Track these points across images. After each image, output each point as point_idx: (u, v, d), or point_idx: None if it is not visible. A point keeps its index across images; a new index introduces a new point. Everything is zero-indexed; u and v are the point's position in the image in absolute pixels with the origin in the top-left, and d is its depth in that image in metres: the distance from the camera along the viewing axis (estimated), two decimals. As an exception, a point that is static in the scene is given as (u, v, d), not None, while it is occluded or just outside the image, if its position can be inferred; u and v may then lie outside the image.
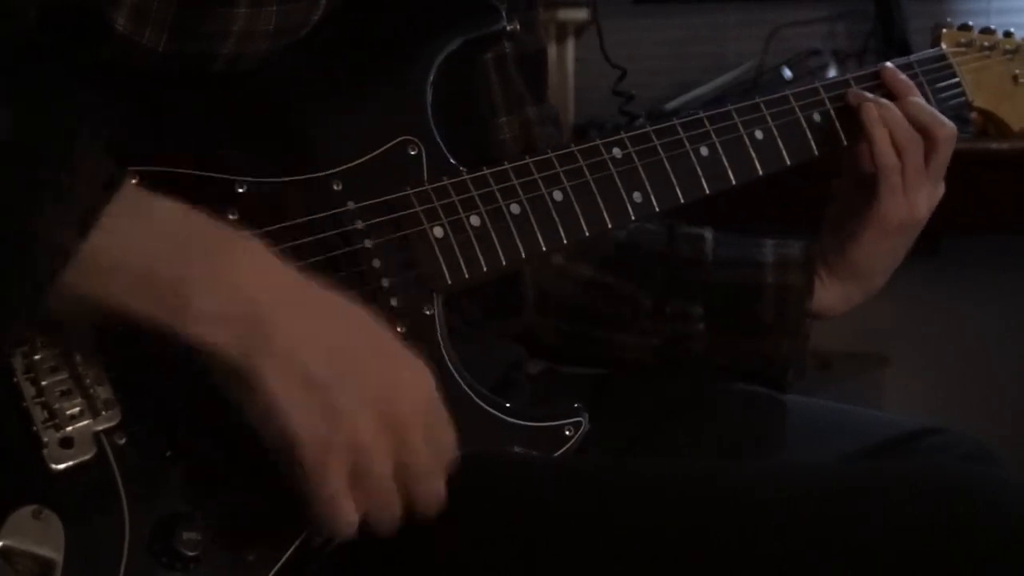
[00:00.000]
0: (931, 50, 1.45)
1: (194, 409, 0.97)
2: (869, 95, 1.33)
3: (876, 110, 1.31)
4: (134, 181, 0.91)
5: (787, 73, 2.71)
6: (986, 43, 1.47)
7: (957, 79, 1.43)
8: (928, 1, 2.74)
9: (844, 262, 1.37)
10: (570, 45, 2.86)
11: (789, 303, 1.36)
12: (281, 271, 0.94)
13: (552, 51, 2.80)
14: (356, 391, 0.94)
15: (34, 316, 0.89)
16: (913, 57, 1.42)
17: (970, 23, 1.48)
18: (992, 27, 1.49)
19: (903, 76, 1.36)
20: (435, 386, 0.98)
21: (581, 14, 2.75)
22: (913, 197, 1.32)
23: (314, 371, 0.92)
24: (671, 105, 2.71)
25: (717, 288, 1.37)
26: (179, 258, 0.91)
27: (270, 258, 0.94)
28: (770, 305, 1.36)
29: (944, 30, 1.46)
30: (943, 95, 1.42)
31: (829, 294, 1.38)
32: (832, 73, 2.72)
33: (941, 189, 1.36)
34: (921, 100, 1.34)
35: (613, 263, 1.40)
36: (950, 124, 1.33)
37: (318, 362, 0.92)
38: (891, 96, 1.34)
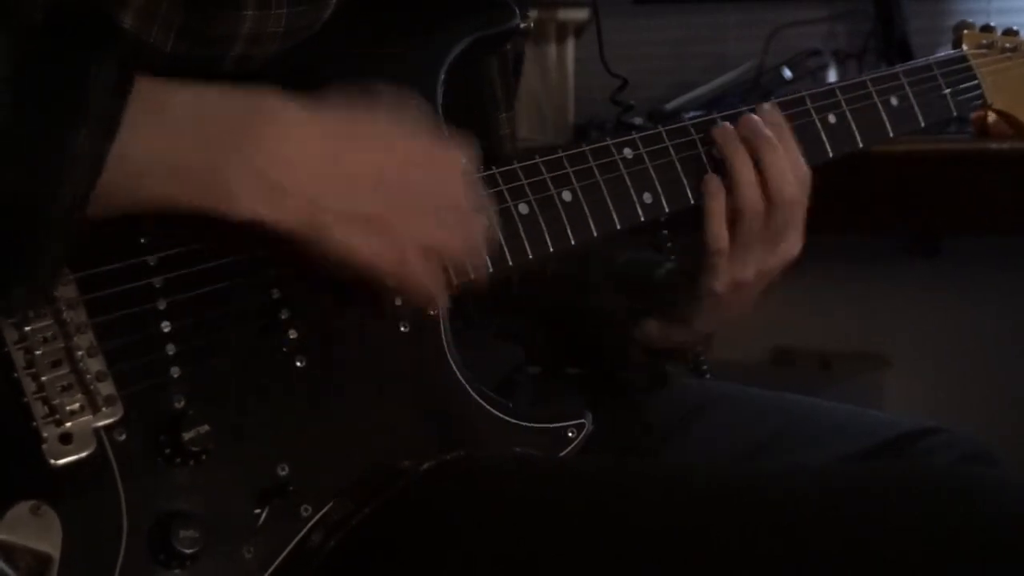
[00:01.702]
0: (951, 51, 1.44)
1: (195, 401, 0.97)
2: (731, 139, 1.23)
3: (714, 184, 1.23)
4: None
5: (787, 73, 2.71)
6: (1008, 44, 1.46)
7: (976, 81, 1.43)
8: (928, 1, 2.74)
9: (666, 297, 1.31)
10: (570, 45, 2.86)
11: (608, 330, 1.32)
12: (309, 132, 0.99)
13: (552, 51, 2.80)
14: (408, 209, 1.01)
15: (77, 229, 0.90)
16: (932, 59, 1.41)
17: (992, 23, 1.47)
18: (1015, 28, 1.48)
19: (765, 132, 1.24)
20: (462, 161, 1.05)
21: (581, 14, 2.75)
22: (739, 262, 1.24)
23: (369, 211, 1.00)
24: (671, 105, 2.71)
25: (549, 303, 1.34)
26: (208, 144, 0.95)
27: (296, 120, 0.98)
28: (592, 329, 1.33)
29: (965, 31, 1.45)
30: (961, 97, 1.41)
31: (651, 325, 1.32)
32: (832, 73, 2.73)
33: (788, 249, 1.26)
34: (776, 154, 1.24)
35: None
36: (791, 188, 1.23)
37: (368, 202, 1.00)
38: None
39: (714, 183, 1.23)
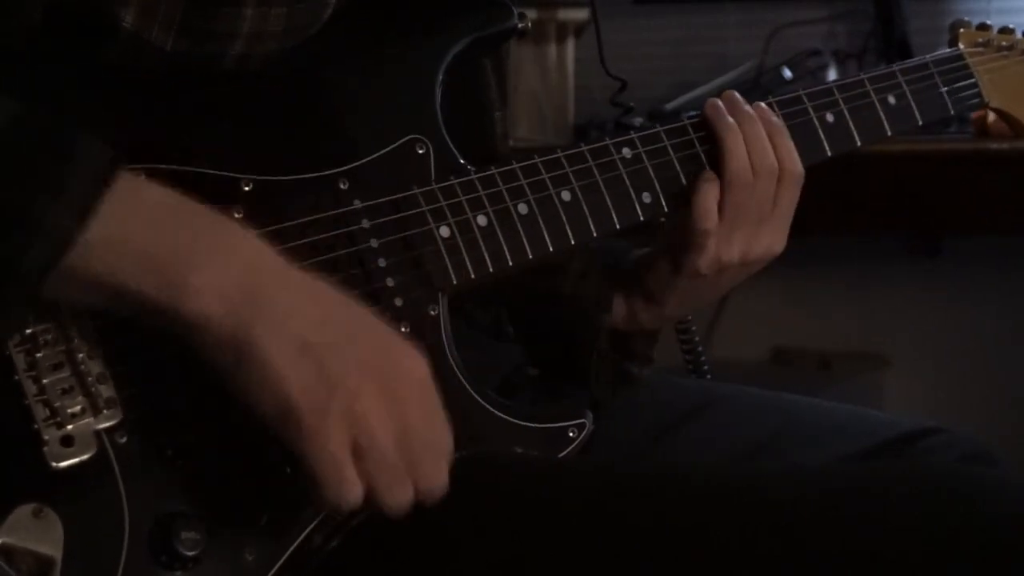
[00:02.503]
0: (948, 50, 1.43)
1: (195, 400, 0.97)
2: (724, 114, 1.23)
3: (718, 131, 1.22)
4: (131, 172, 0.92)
5: (787, 73, 2.71)
6: (1004, 43, 1.46)
7: (973, 79, 1.43)
8: (928, 1, 2.74)
9: (636, 283, 1.29)
10: (570, 45, 2.86)
11: (580, 316, 1.30)
12: (272, 253, 0.95)
13: (552, 51, 2.80)
14: (352, 358, 0.94)
15: (35, 301, 0.90)
16: (929, 57, 1.40)
17: (988, 22, 1.47)
18: (1011, 26, 1.48)
19: (746, 108, 1.24)
20: (429, 371, 0.98)
21: (581, 14, 2.75)
22: (723, 239, 1.22)
23: (309, 338, 0.93)
24: (671, 105, 2.71)
25: (521, 291, 1.31)
26: (174, 238, 0.92)
27: (261, 243, 0.95)
28: (564, 315, 1.31)
29: (962, 29, 1.45)
30: (958, 95, 1.41)
31: (616, 307, 1.30)
32: (832, 73, 2.73)
33: (770, 243, 1.24)
34: (758, 128, 1.23)
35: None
36: (771, 162, 1.22)
37: (313, 330, 0.93)
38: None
39: (706, 172, 1.22)
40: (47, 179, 0.88)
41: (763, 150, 1.22)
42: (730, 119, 1.22)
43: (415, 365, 0.97)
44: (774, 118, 1.25)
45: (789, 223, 1.25)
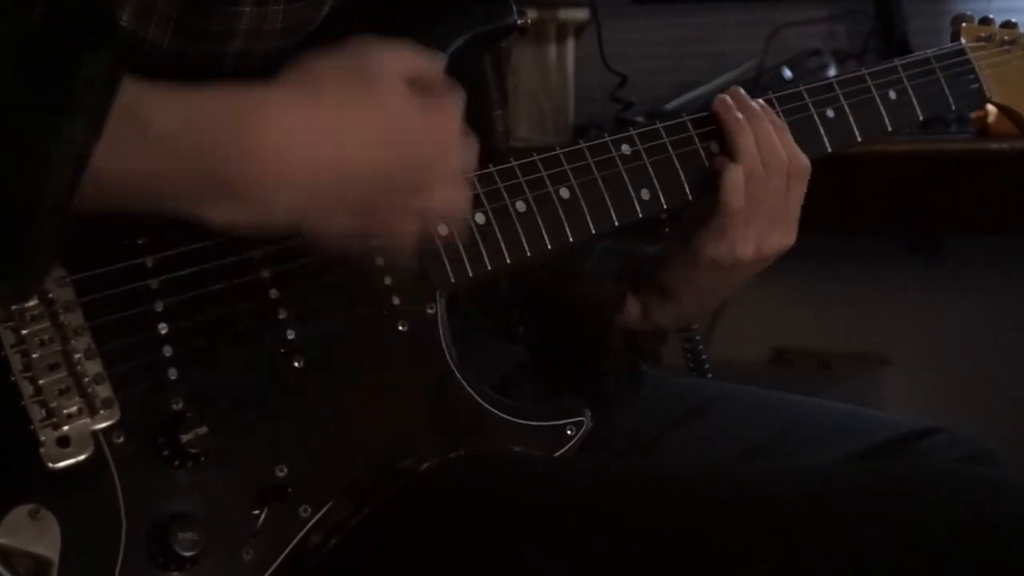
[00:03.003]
0: (950, 44, 1.43)
1: (191, 399, 0.98)
2: (735, 114, 1.24)
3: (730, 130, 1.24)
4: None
5: (787, 73, 2.71)
6: (1006, 37, 1.45)
7: (975, 74, 1.42)
8: (928, 1, 2.74)
9: (653, 281, 1.30)
10: (570, 45, 2.85)
11: (594, 317, 1.31)
12: (291, 129, 0.96)
13: (552, 51, 2.80)
14: (395, 190, 0.99)
15: (63, 223, 0.89)
16: (931, 52, 1.40)
17: (990, 16, 1.47)
18: (1014, 20, 1.47)
19: (736, 114, 1.24)
20: (454, 121, 1.02)
21: (581, 14, 2.75)
22: (740, 234, 1.23)
23: (355, 201, 0.97)
24: (671, 105, 2.71)
25: (535, 294, 1.33)
26: (188, 157, 0.93)
27: (276, 121, 0.96)
28: (577, 317, 1.31)
29: (964, 24, 1.45)
30: (960, 91, 1.40)
31: (630, 307, 1.31)
32: (832, 73, 2.72)
33: (781, 238, 1.26)
34: (763, 123, 1.24)
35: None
36: (781, 157, 1.24)
37: (355, 192, 0.97)
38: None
39: (725, 158, 1.23)
40: (56, 98, 0.88)
41: (772, 146, 1.23)
42: (740, 115, 1.23)
43: (440, 137, 1.02)
44: (776, 117, 1.25)
45: (798, 217, 1.26)
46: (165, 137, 0.92)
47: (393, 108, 1.00)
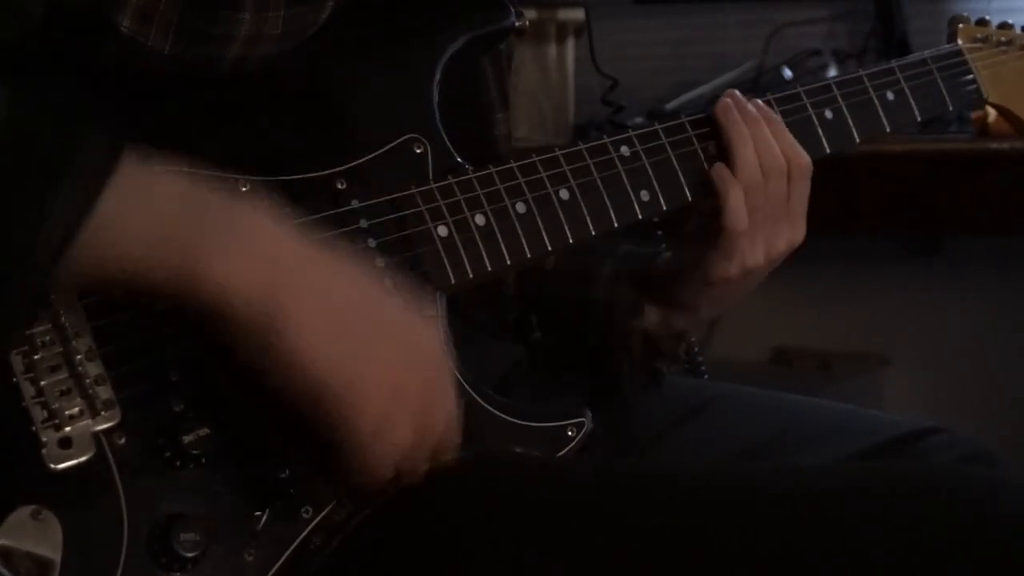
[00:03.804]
0: (947, 45, 1.43)
1: (193, 401, 0.97)
2: (736, 121, 1.24)
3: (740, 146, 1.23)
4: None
5: (787, 73, 2.71)
6: (1003, 38, 1.45)
7: (972, 75, 1.42)
8: (928, 1, 2.74)
9: (668, 287, 1.30)
10: (570, 45, 2.86)
11: (614, 320, 1.32)
12: (290, 224, 0.96)
13: (552, 51, 2.80)
14: (377, 338, 0.96)
15: (46, 291, 0.89)
16: (928, 53, 1.40)
17: (987, 17, 1.47)
18: (1010, 22, 1.48)
19: (750, 107, 1.25)
20: (441, 345, 1.02)
21: (581, 14, 2.75)
22: (748, 253, 1.24)
23: (338, 317, 0.94)
24: (671, 105, 2.71)
25: (551, 297, 1.34)
26: (191, 214, 0.92)
27: (277, 214, 0.96)
28: (596, 320, 1.32)
29: (960, 25, 1.45)
30: (958, 91, 1.40)
31: (651, 312, 1.32)
32: (832, 73, 2.72)
33: (790, 235, 1.26)
34: (761, 128, 1.24)
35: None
36: (780, 161, 1.24)
37: (340, 309, 0.95)
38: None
39: (724, 170, 1.23)
40: (55, 165, 0.88)
41: (770, 151, 1.23)
42: (740, 123, 1.23)
43: (431, 341, 1.01)
44: (774, 115, 1.25)
45: (805, 213, 1.26)
46: (163, 200, 0.92)
47: (388, 297, 1.00)
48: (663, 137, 1.21)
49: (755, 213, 1.23)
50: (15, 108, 0.89)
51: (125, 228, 0.90)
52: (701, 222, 1.25)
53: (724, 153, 1.23)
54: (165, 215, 0.91)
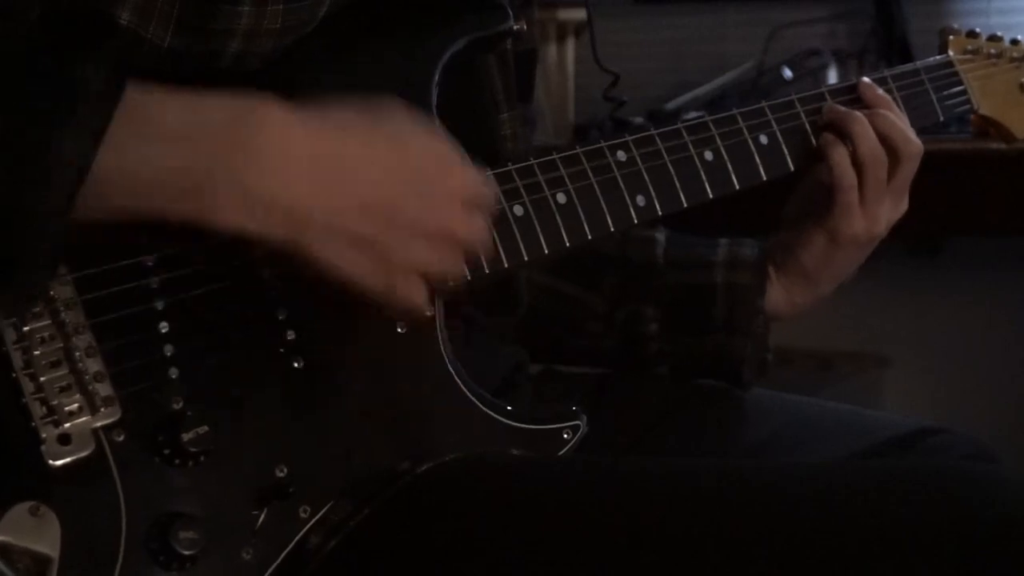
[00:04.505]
0: (937, 57, 1.44)
1: (193, 399, 0.98)
2: (841, 108, 1.31)
3: (843, 125, 1.30)
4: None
5: (787, 73, 2.71)
6: (993, 50, 1.47)
7: (963, 86, 1.43)
8: (928, 1, 2.74)
9: (792, 265, 1.35)
10: (570, 45, 2.86)
11: (739, 302, 1.35)
12: (298, 140, 0.97)
13: (552, 51, 2.80)
14: (398, 228, 0.99)
15: (62, 235, 0.89)
16: (919, 64, 1.41)
17: (977, 29, 1.48)
18: (999, 34, 1.48)
19: (880, 91, 1.34)
20: (470, 179, 1.04)
21: (581, 14, 2.75)
22: (871, 213, 1.30)
23: (357, 231, 0.97)
24: (671, 105, 2.70)
25: (669, 289, 1.37)
26: (195, 156, 0.93)
27: (285, 129, 0.96)
28: (720, 304, 1.35)
29: (951, 36, 1.46)
30: (948, 102, 1.42)
31: (774, 294, 1.36)
32: (832, 73, 2.72)
33: (903, 206, 1.33)
34: (893, 115, 1.32)
35: (565, 270, 1.40)
36: (917, 142, 1.31)
37: (357, 221, 0.98)
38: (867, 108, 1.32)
39: (828, 136, 1.30)
40: (55, 110, 0.88)
41: (874, 141, 1.30)
42: (849, 110, 1.30)
43: (449, 192, 1.02)
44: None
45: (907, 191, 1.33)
46: (167, 138, 0.92)
47: (397, 151, 1.01)
48: (659, 142, 1.22)
49: (878, 188, 1.29)
50: (10, 46, 0.89)
51: (134, 170, 0.91)
52: (811, 189, 1.32)
53: (722, 160, 1.25)
54: (172, 159, 0.92)
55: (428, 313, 1.05)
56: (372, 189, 0.99)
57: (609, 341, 1.39)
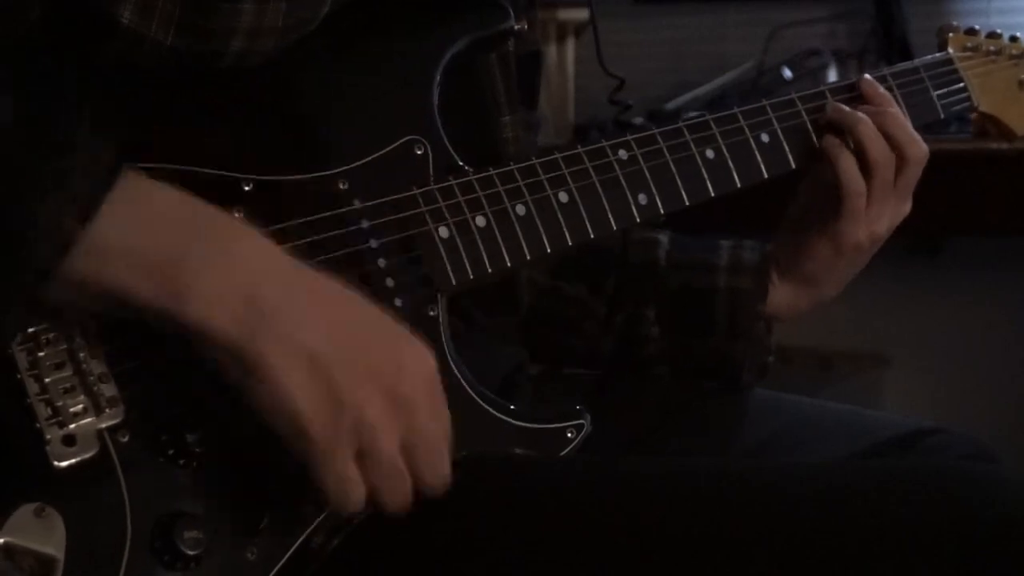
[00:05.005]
0: (937, 54, 1.44)
1: (197, 399, 0.97)
2: (845, 108, 1.31)
3: (848, 128, 1.29)
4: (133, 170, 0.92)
5: (787, 73, 2.71)
6: (992, 47, 1.47)
7: (963, 84, 1.43)
8: (928, 1, 2.74)
9: (795, 268, 1.35)
10: (570, 45, 2.86)
11: (740, 305, 1.35)
12: (279, 256, 0.96)
13: (552, 51, 2.80)
14: (360, 369, 0.94)
15: (35, 303, 0.89)
16: (918, 61, 1.42)
17: (976, 27, 1.48)
18: (999, 31, 1.49)
19: (881, 89, 1.34)
20: (435, 365, 0.99)
21: (581, 14, 2.75)
22: (875, 216, 1.30)
23: (317, 351, 0.93)
24: (671, 105, 2.71)
25: (670, 291, 1.37)
26: (177, 241, 0.92)
27: (268, 244, 0.96)
28: (722, 307, 1.35)
29: (950, 34, 1.46)
30: (948, 100, 1.42)
31: (776, 297, 1.36)
32: (832, 73, 2.73)
33: (907, 208, 1.33)
34: (898, 113, 1.32)
35: (565, 270, 1.40)
36: (923, 145, 1.31)
37: (320, 342, 0.93)
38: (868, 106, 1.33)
39: (833, 139, 1.30)
40: (49, 179, 0.88)
41: (882, 144, 1.30)
42: (853, 110, 1.30)
43: (422, 364, 0.98)
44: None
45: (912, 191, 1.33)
46: (155, 217, 0.92)
47: (374, 315, 0.98)
48: (661, 141, 1.22)
49: (884, 189, 1.29)
50: (11, 113, 0.89)
51: (117, 249, 0.90)
52: (814, 191, 1.32)
53: (724, 158, 1.25)
54: (155, 243, 0.91)
55: (352, 509, 0.96)
56: (344, 318, 0.96)
57: (607, 343, 1.39)
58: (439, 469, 0.98)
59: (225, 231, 0.94)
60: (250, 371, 0.92)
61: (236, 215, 0.99)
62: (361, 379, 0.94)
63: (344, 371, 0.93)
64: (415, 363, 0.98)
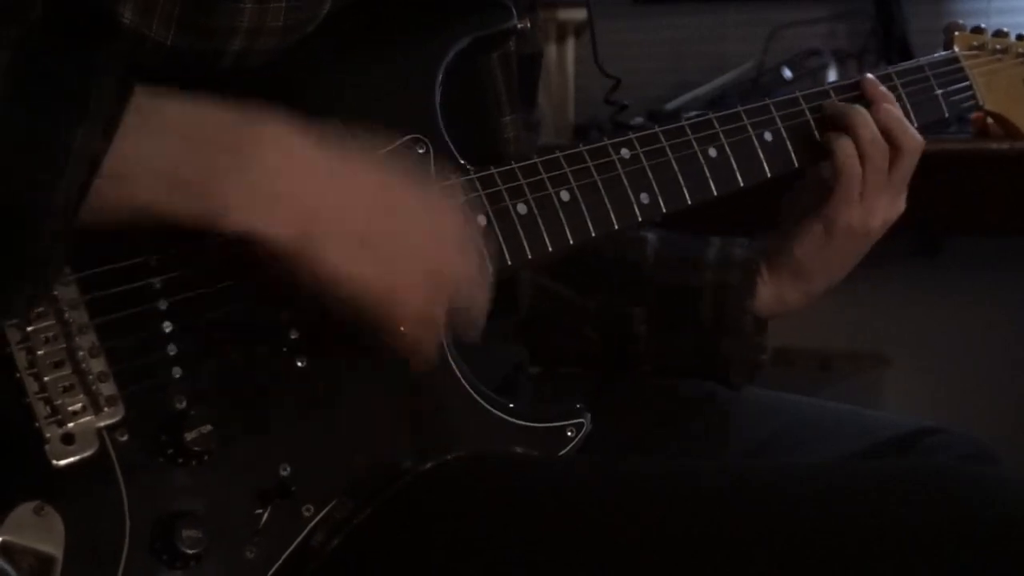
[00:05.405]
0: (943, 52, 1.44)
1: (196, 398, 0.98)
2: (841, 103, 1.32)
3: (845, 118, 1.30)
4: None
5: (787, 73, 2.71)
6: (998, 46, 1.46)
7: (968, 82, 1.43)
8: (928, 1, 2.74)
9: (784, 261, 1.34)
10: (570, 45, 2.86)
11: (727, 301, 1.35)
12: (304, 152, 0.97)
13: (552, 51, 2.80)
14: (403, 238, 1.00)
15: (71, 230, 0.89)
16: (924, 60, 1.41)
17: (982, 25, 1.48)
18: (1005, 29, 1.48)
19: (882, 87, 1.34)
20: (461, 219, 1.05)
21: (581, 14, 2.75)
22: (869, 204, 1.30)
23: (363, 230, 0.98)
24: (671, 105, 2.71)
25: (657, 289, 1.37)
26: (203, 154, 0.93)
27: (289, 142, 0.97)
28: (708, 303, 1.35)
29: (956, 32, 1.46)
30: (954, 98, 1.42)
31: (765, 293, 1.35)
32: (832, 73, 2.73)
33: (901, 204, 1.33)
34: (895, 109, 1.32)
35: (564, 272, 1.40)
36: (917, 136, 1.31)
37: (364, 221, 0.98)
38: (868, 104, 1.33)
39: (833, 133, 1.30)
40: (67, 106, 0.88)
41: (895, 120, 1.31)
42: (851, 105, 1.31)
43: (453, 222, 1.04)
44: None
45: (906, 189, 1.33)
46: (176, 133, 0.93)
47: (397, 173, 1.03)
48: (663, 140, 1.22)
49: (878, 182, 1.30)
50: (22, 41, 0.89)
51: (143, 166, 0.91)
52: (808, 184, 1.33)
53: (726, 157, 1.25)
54: (181, 156, 0.92)
55: (426, 357, 1.04)
56: (378, 191, 1.00)
57: (599, 343, 1.39)
58: (479, 304, 1.05)
59: (246, 139, 0.95)
60: (305, 261, 0.96)
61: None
62: (408, 246, 1.00)
63: (390, 243, 0.99)
64: (449, 219, 1.04)
